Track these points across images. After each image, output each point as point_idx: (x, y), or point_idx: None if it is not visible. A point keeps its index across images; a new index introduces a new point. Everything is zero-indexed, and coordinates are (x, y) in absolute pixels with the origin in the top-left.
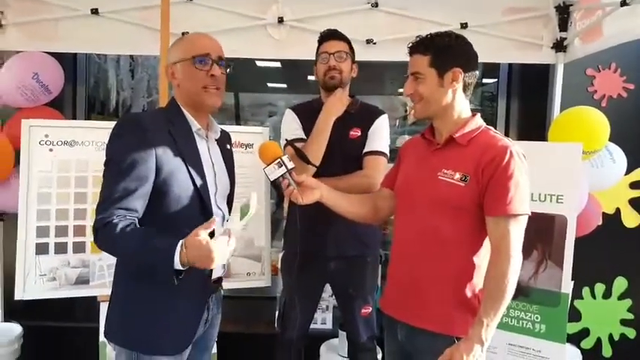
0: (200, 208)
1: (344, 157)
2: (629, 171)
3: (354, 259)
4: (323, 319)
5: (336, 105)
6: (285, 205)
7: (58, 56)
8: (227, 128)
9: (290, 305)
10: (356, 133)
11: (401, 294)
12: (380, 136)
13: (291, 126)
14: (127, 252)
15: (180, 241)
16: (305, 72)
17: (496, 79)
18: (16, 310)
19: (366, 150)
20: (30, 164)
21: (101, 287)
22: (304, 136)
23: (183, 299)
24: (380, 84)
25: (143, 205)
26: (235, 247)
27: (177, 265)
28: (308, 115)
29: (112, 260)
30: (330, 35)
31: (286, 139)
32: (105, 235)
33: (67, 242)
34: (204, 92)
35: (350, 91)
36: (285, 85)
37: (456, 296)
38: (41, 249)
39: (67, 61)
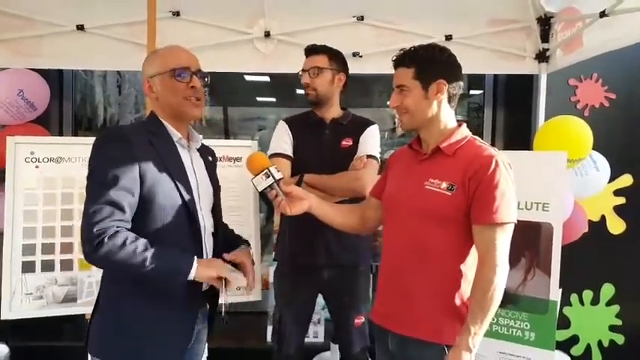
0: (187, 218)
1: (335, 166)
2: (612, 179)
3: (346, 268)
4: (315, 332)
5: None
6: (276, 218)
7: (44, 73)
8: (215, 142)
9: (284, 319)
10: (347, 142)
11: (390, 303)
12: (370, 141)
13: (280, 139)
14: (141, 263)
15: (195, 260)
16: (294, 86)
17: (482, 91)
18: (3, 331)
19: (357, 155)
20: (15, 181)
21: (89, 305)
22: (290, 153)
23: (174, 312)
24: (368, 96)
25: (131, 215)
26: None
27: (191, 277)
28: (301, 126)
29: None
30: (307, 51)
31: (301, 174)
32: (111, 246)
33: (54, 260)
34: (186, 102)
35: (340, 103)
36: (274, 99)
37: (444, 305)
38: (27, 267)
39: (53, 78)
